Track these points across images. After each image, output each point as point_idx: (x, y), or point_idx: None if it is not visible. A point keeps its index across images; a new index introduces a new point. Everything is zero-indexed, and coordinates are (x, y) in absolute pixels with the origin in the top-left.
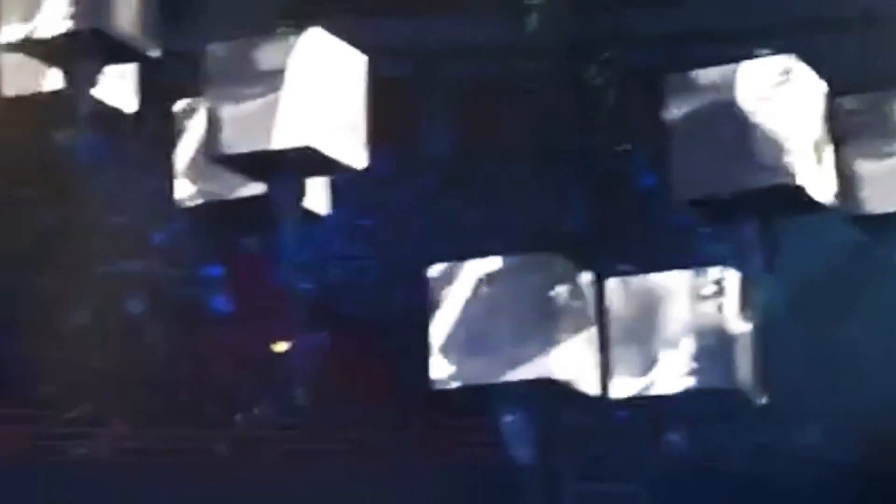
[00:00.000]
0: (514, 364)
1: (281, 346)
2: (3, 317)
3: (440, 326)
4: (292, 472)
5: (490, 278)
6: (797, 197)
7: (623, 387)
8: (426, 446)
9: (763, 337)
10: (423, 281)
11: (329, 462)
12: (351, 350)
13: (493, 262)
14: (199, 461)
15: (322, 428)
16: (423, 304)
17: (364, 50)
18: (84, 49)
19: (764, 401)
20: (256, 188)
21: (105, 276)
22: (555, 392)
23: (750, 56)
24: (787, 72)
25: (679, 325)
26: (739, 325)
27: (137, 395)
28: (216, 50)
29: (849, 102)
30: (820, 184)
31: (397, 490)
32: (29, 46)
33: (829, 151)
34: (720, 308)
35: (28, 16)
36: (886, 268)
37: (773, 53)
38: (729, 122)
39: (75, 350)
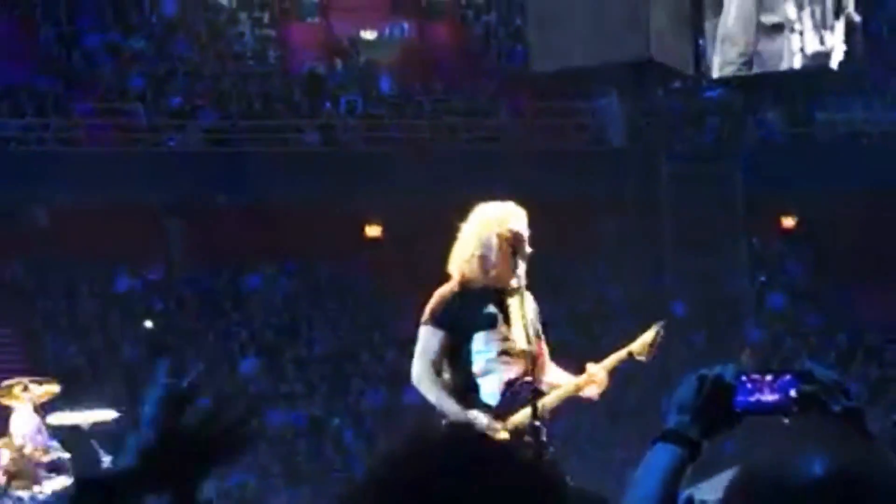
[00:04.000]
0: (612, 46)
1: (368, 35)
2: (92, 11)
3: (534, 13)
4: (379, 158)
5: None
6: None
7: (719, 66)
8: (518, 131)
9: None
10: None
11: (414, 146)
12: (440, 38)
13: None
14: (289, 149)
15: (407, 114)
16: None
17: None
18: None
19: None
20: None
21: None
22: (651, 73)
23: None
24: None
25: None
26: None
27: (227, 86)
28: None
29: None
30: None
31: (491, 171)
32: None
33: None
34: None
35: None
36: None
37: None
38: None
39: (165, 43)
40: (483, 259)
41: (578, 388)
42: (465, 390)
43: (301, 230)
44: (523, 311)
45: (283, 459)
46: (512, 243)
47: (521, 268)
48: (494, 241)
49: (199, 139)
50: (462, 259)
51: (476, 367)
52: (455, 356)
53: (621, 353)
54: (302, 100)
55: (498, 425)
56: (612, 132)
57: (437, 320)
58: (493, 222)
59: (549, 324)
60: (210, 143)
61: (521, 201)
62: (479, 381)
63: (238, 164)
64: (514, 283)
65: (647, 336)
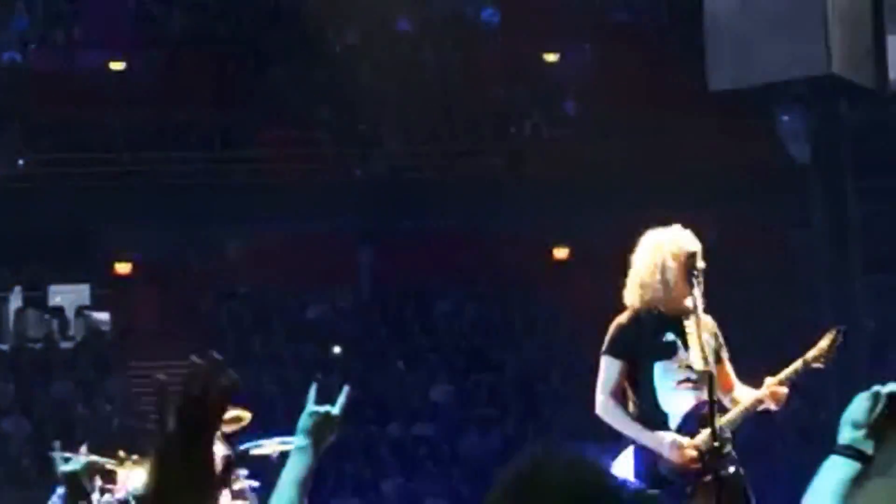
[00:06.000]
0: (792, 61)
1: (550, 57)
2: (277, 42)
3: (713, 31)
4: (562, 182)
5: None
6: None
7: None
8: (703, 147)
9: None
10: None
11: (603, 168)
12: (622, 59)
13: None
14: (474, 175)
15: (593, 136)
16: (695, 7)
17: None
18: None
19: None
20: None
21: None
22: (832, 87)
23: None
24: None
25: None
26: None
27: (412, 113)
28: None
29: None
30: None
31: (672, 184)
32: None
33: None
34: None
35: None
36: None
37: None
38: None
39: (348, 71)
40: (659, 284)
41: (759, 403)
42: (651, 420)
43: (488, 255)
44: (699, 332)
45: (476, 484)
46: (686, 266)
47: (697, 289)
48: (670, 264)
49: (384, 166)
50: (637, 286)
51: (659, 397)
52: (637, 385)
53: (798, 363)
54: (486, 124)
55: (685, 442)
56: (796, 148)
57: (616, 350)
58: (665, 246)
59: (734, 346)
60: (395, 170)
61: (699, 221)
62: (665, 409)
63: (424, 190)
64: (689, 304)
65: (824, 342)
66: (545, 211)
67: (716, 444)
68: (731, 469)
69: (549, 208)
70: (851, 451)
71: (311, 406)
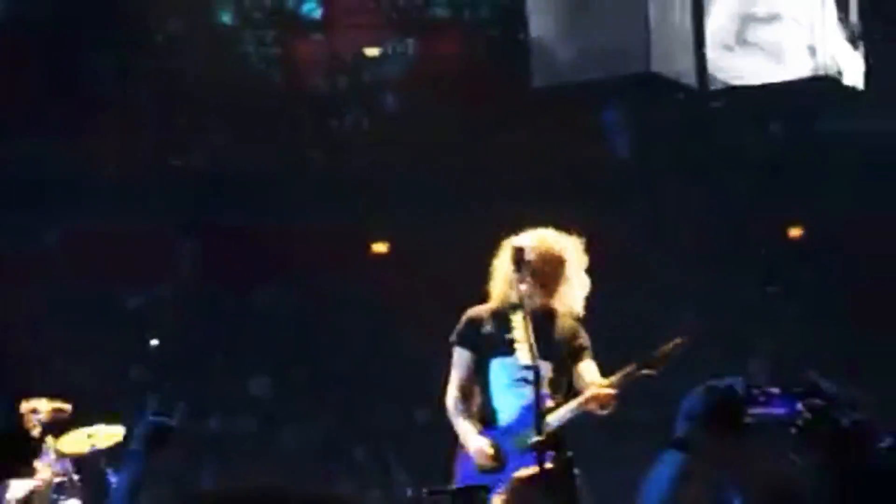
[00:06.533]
0: (612, 60)
1: (372, 52)
2: (98, 30)
3: (535, 27)
4: (384, 175)
5: None
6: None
7: (722, 77)
8: (526, 144)
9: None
10: None
11: (423, 164)
12: (444, 54)
13: None
14: (294, 168)
15: (415, 132)
16: (518, 3)
17: None
18: None
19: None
20: None
21: None
22: (653, 85)
23: None
24: None
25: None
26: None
27: (233, 105)
28: None
29: None
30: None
31: (493, 181)
32: None
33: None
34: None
35: None
36: None
37: None
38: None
39: (170, 61)
40: (503, 283)
41: (583, 405)
42: (485, 416)
43: (308, 248)
44: (529, 328)
45: (295, 478)
46: (537, 267)
47: (556, 290)
48: (516, 265)
49: (205, 158)
50: (491, 283)
51: (493, 394)
52: (478, 381)
53: (628, 368)
54: (307, 118)
55: (486, 447)
56: (617, 145)
57: (459, 340)
58: (518, 248)
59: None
60: (216, 162)
61: (528, 219)
62: (495, 406)
63: (244, 183)
64: (529, 302)
65: (664, 349)
66: (364, 206)
67: (539, 438)
68: (557, 462)
69: (369, 203)
70: (685, 445)
71: (148, 416)
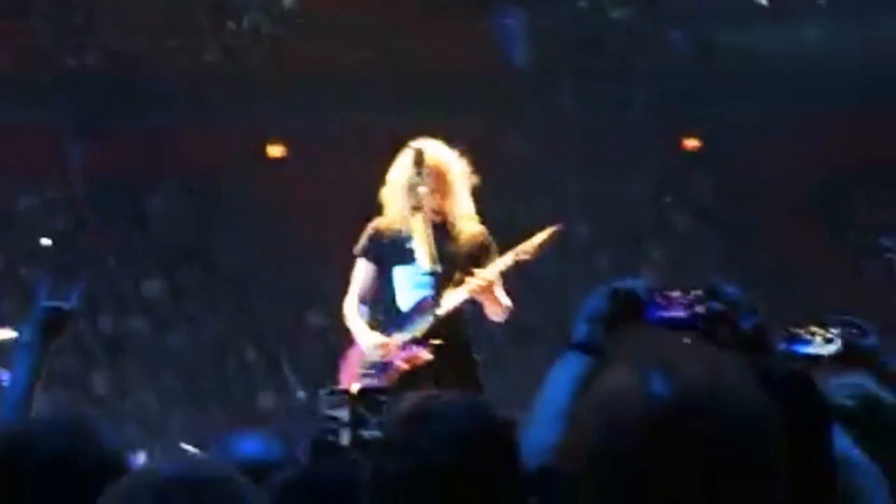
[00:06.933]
0: None
1: None
2: None
3: None
4: (278, 79)
5: None
6: None
7: None
8: (425, 49)
9: None
10: None
11: (320, 67)
12: None
13: None
14: (190, 70)
15: (312, 34)
16: None
17: None
18: None
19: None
20: None
21: None
22: None
23: None
24: None
25: None
26: None
27: (129, 5)
28: None
29: None
30: None
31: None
32: None
33: None
34: None
35: None
36: None
37: None
38: None
39: None
40: (405, 188)
41: (470, 292)
42: (388, 320)
43: (203, 151)
44: (428, 233)
45: (185, 378)
46: (435, 169)
47: (454, 192)
48: (416, 167)
49: (100, 59)
50: (385, 194)
51: (398, 299)
52: (381, 286)
53: (507, 255)
54: (203, 19)
55: (388, 342)
56: (514, 53)
57: (363, 252)
58: (418, 150)
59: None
60: (111, 62)
61: (426, 125)
62: (402, 309)
63: (139, 84)
64: (436, 205)
65: (538, 238)
66: (261, 108)
67: (422, 330)
68: (449, 349)
69: (265, 106)
70: (586, 347)
71: (42, 300)
